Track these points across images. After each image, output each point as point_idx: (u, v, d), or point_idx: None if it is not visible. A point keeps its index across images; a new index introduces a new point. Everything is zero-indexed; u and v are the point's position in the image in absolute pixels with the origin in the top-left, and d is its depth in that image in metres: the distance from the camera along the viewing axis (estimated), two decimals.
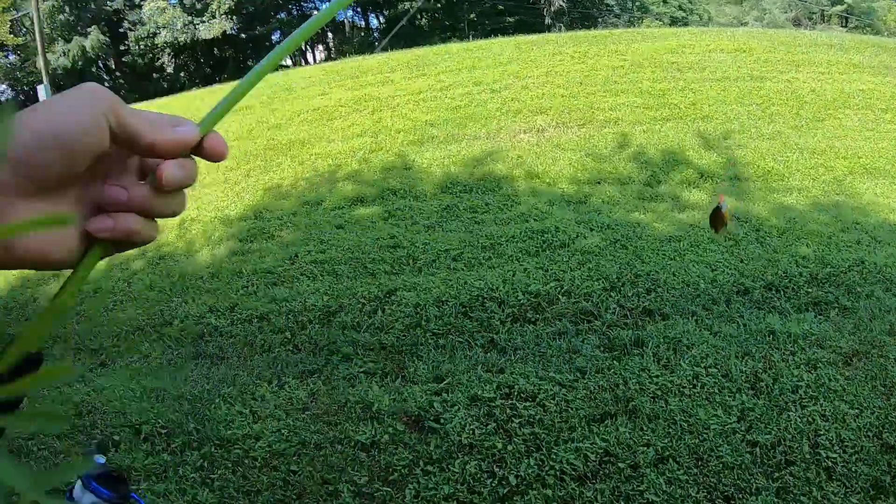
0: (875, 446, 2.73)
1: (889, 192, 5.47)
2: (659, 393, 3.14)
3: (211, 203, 6.79)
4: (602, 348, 3.55)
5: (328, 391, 3.41)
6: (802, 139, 6.60)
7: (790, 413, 3.01)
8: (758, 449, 2.71)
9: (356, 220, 5.77)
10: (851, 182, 5.70)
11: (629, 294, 3.98)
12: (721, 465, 2.62)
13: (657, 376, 3.24)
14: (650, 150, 6.55)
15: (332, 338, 3.90)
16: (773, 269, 4.24)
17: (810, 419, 2.94)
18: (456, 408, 3.07)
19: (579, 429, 2.87)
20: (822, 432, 2.88)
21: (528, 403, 3.13)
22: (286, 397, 3.35)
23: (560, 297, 4.01)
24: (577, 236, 4.69)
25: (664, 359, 3.38)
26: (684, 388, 3.17)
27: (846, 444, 2.86)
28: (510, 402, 3.17)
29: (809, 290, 4.02)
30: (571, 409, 3.02)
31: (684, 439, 2.77)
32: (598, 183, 5.86)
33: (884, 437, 2.78)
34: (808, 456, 2.70)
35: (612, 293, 4.01)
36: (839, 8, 34.89)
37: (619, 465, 2.64)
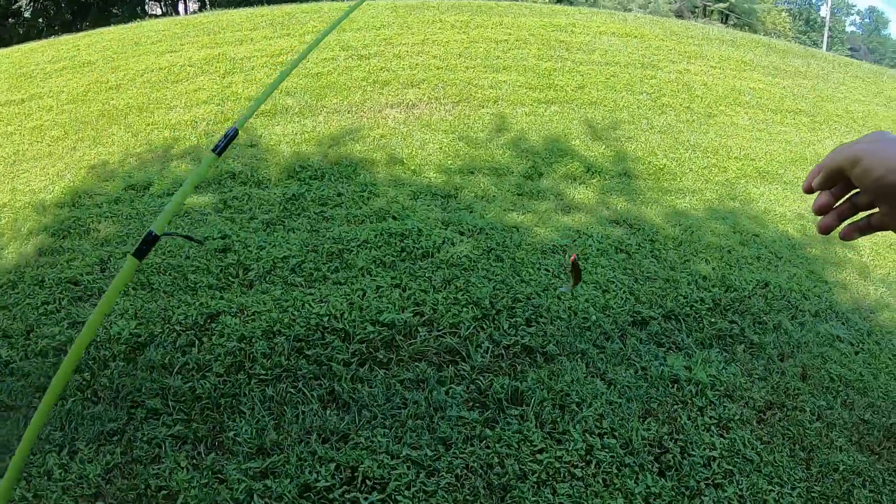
0: None
1: (782, 200, 5.12)
2: (544, 477, 2.34)
3: (28, 184, 5.22)
4: (472, 405, 2.70)
5: (127, 466, 2.38)
6: (695, 136, 6.16)
7: (703, 498, 2.33)
8: None
9: (184, 212, 4.53)
10: (745, 186, 5.29)
11: (505, 326, 3.17)
12: None
13: (541, 450, 2.45)
14: (532, 137, 5.82)
15: (137, 383, 2.79)
16: (672, 292, 3.61)
17: None
18: None
19: None
20: None
21: (376, 496, 2.22)
22: (77, 475, 2.29)
23: (420, 328, 3.12)
24: (444, 242, 3.82)
25: (549, 422, 2.60)
26: (576, 467, 2.40)
27: None
28: (352, 494, 2.25)
29: (713, 319, 3.42)
30: None
31: None
32: (472, 173, 5.02)
33: None
34: None
35: (484, 324, 3.18)
36: (722, 5, 36.82)
37: None
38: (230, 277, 3.79)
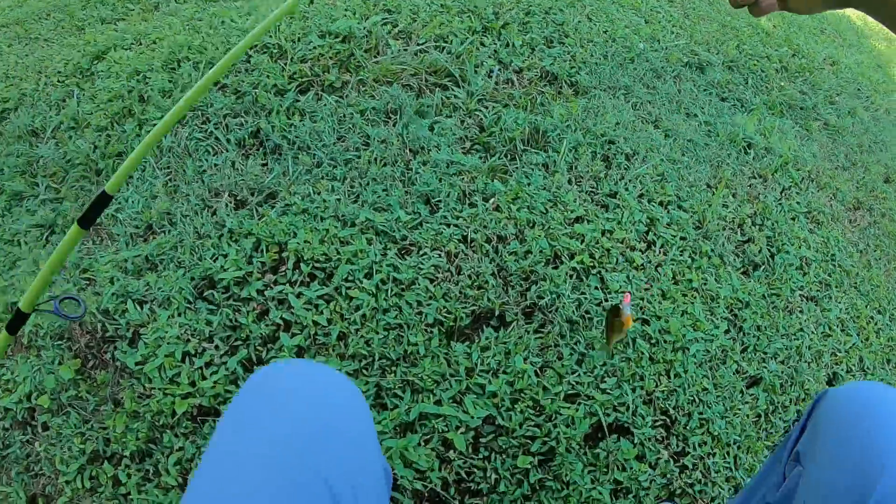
0: None
1: None
2: (586, 260, 1.41)
3: None
4: (469, 146, 1.66)
5: None
6: None
7: (801, 317, 1.55)
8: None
9: None
10: None
11: (517, 44, 2.03)
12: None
13: (579, 219, 1.50)
14: None
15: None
16: (733, 40, 2.57)
17: (826, 329, 1.54)
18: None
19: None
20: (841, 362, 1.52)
21: (316, 290, 1.21)
22: None
23: (391, 41, 1.92)
24: None
25: (589, 177, 1.62)
26: (633, 249, 1.48)
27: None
28: (279, 287, 1.22)
29: (782, 83, 2.46)
30: None
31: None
32: None
33: None
34: None
35: (484, 39, 2.04)
36: None
37: None
38: (130, 3, 2.26)
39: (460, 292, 1.29)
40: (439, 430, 1.11)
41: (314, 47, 1.87)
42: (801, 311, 1.58)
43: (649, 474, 1.17)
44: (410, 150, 1.61)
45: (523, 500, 1.10)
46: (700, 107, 2.10)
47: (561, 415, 1.16)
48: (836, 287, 1.71)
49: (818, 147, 2.24)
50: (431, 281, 1.30)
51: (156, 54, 1.87)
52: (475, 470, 1.11)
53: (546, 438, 1.14)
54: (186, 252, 1.32)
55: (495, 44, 2.04)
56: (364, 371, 1.17)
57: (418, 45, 1.98)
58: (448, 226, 1.42)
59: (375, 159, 1.56)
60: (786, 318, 1.53)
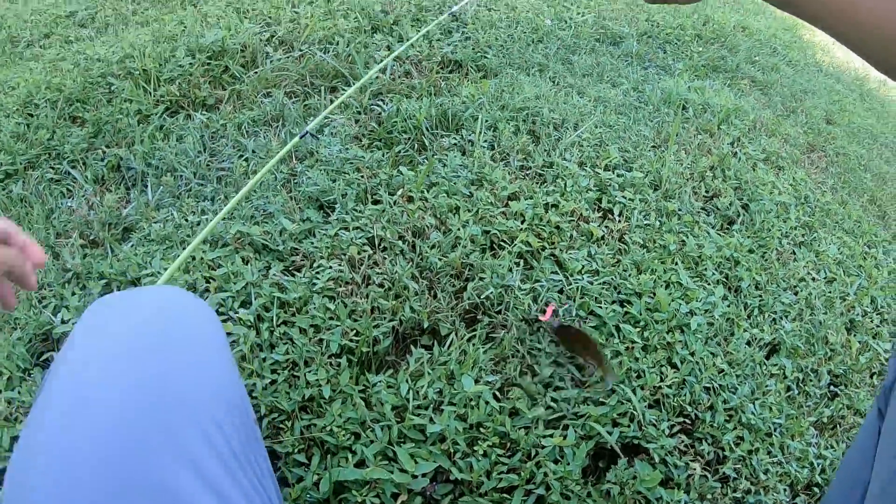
0: None
1: None
2: (533, 238, 1.10)
3: None
4: (369, 142, 1.35)
5: None
6: None
7: (796, 266, 1.28)
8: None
9: None
10: None
11: (411, 36, 1.78)
12: None
13: (514, 196, 1.20)
14: None
15: None
16: (641, 14, 2.41)
17: (827, 273, 1.27)
18: None
19: None
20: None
21: None
22: None
23: (271, 51, 1.66)
24: None
25: (518, 151, 1.33)
26: (587, 220, 1.19)
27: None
28: None
29: (699, 48, 2.30)
30: None
31: None
32: None
33: None
34: None
35: (374, 38, 1.79)
36: None
37: None
38: None
39: (372, 307, 0.94)
40: None
41: (182, 66, 1.56)
42: (795, 260, 1.30)
43: (683, 501, 0.82)
44: (296, 156, 1.28)
45: None
46: (623, 76, 1.88)
47: (544, 447, 0.81)
48: (821, 228, 1.46)
49: (754, 100, 2.05)
50: (331, 298, 0.95)
51: (10, 100, 1.51)
52: None
53: (529, 486, 0.78)
54: (22, 308, 0.94)
55: (387, 40, 1.78)
56: None
57: (300, 50, 1.69)
58: (347, 229, 1.08)
59: (253, 171, 1.22)
60: (782, 269, 1.25)
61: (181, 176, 1.25)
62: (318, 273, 0.98)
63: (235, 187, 1.20)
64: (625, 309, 1.00)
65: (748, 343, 1.06)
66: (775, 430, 0.96)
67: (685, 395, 0.92)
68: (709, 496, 0.86)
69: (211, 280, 0.96)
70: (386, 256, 1.03)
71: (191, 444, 0.38)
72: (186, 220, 1.10)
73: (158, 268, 0.98)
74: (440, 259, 1.03)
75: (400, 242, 1.05)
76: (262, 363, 0.85)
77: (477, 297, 0.98)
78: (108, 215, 1.15)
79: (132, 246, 1.07)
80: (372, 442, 0.78)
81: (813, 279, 1.29)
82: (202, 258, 0.99)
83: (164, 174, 1.25)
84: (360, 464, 0.76)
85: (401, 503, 0.74)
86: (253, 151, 1.30)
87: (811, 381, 1.07)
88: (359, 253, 1.02)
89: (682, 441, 0.90)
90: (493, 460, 0.78)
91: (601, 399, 0.88)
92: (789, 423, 0.97)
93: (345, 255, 1.02)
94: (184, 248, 1.02)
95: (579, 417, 0.85)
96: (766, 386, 1.01)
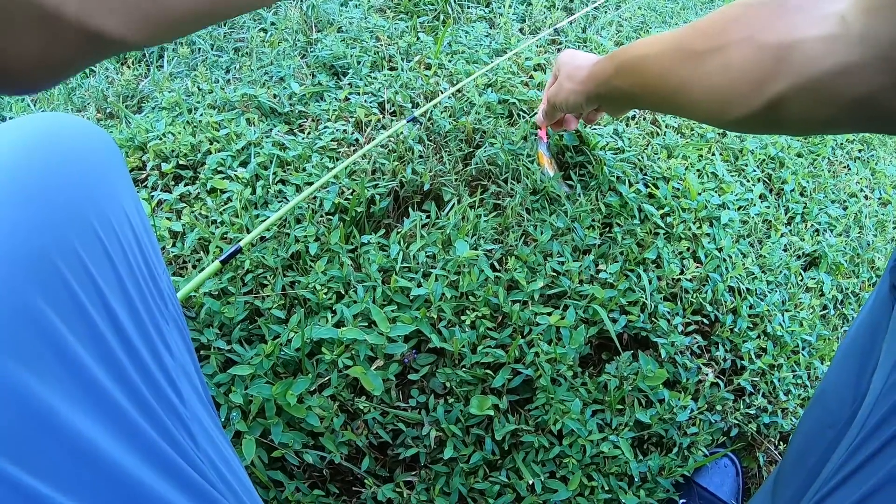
0: None
1: None
2: None
3: None
4: None
5: None
6: None
7: (846, 179, 1.15)
8: None
9: None
10: None
11: None
12: None
13: None
14: None
15: None
16: None
17: (882, 194, 1.13)
18: None
19: None
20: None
21: None
22: None
23: None
24: None
25: None
26: None
27: None
28: None
29: None
30: None
31: None
32: None
33: None
34: None
35: None
36: None
37: None
38: None
39: (373, 168, 0.84)
40: (342, 366, 0.66)
41: None
42: (848, 172, 1.17)
43: (690, 409, 0.74)
44: (315, 26, 1.15)
45: (486, 472, 0.66)
46: None
47: (539, 325, 0.72)
48: (881, 147, 1.31)
49: None
50: (332, 158, 0.85)
51: None
52: (402, 426, 0.66)
53: (517, 365, 0.70)
54: None
55: None
56: (230, 287, 0.71)
57: None
58: (358, 93, 0.96)
59: (271, 41, 1.10)
60: (832, 180, 1.12)
61: (199, 49, 1.14)
62: (322, 133, 0.88)
63: (252, 57, 1.08)
64: (649, 190, 0.89)
65: (784, 249, 0.95)
66: (803, 348, 0.86)
67: (706, 292, 0.82)
68: (718, 407, 0.77)
69: (214, 142, 0.87)
70: (394, 119, 0.92)
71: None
72: (199, 89, 1.00)
73: (163, 130, 0.89)
74: (449, 123, 0.91)
75: (410, 106, 0.93)
76: (252, 219, 0.77)
77: (486, 164, 0.87)
78: (125, 88, 1.06)
79: (144, 115, 0.97)
80: (353, 303, 0.69)
81: (866, 197, 1.15)
82: (208, 121, 0.90)
83: (178, 46, 1.15)
84: (340, 324, 0.68)
85: (376, 369, 0.67)
86: (272, 24, 1.17)
87: (850, 304, 0.96)
88: (366, 115, 0.91)
89: (697, 342, 0.80)
90: (480, 333, 0.70)
91: (609, 280, 0.78)
92: (820, 343, 0.87)
93: (352, 117, 0.91)
94: (193, 115, 0.92)
95: (582, 297, 0.76)
96: (799, 298, 0.90)
